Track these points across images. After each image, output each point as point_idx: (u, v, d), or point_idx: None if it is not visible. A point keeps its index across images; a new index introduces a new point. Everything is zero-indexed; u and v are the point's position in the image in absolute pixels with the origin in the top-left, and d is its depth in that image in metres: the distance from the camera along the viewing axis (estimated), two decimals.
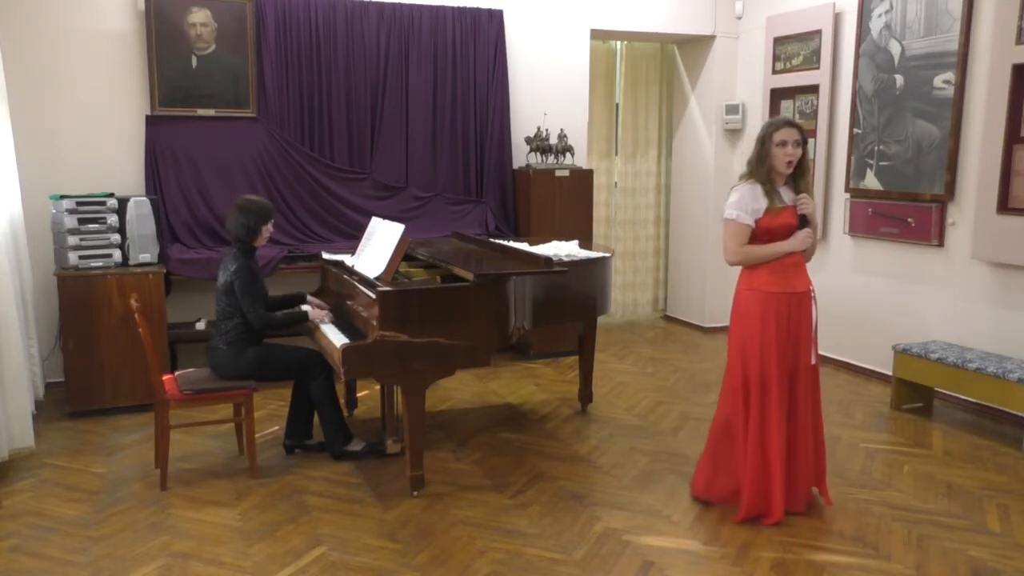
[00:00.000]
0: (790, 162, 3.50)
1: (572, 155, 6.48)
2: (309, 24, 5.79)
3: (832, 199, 6.14)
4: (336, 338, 3.98)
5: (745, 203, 3.54)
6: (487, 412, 5.13)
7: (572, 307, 4.54)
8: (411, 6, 6.05)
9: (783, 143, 3.49)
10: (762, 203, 3.53)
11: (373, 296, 3.73)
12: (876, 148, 5.68)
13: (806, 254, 3.63)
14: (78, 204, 4.91)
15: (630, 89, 7.69)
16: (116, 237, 5.00)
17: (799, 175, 3.58)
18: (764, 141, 3.54)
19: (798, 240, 3.52)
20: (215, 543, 3.41)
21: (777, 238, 3.53)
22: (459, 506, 3.75)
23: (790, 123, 3.54)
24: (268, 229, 4.14)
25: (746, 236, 3.55)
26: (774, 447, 3.51)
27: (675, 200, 7.83)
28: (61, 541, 3.42)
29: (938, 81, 5.23)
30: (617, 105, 7.76)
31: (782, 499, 3.55)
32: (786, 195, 3.59)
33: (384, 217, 4.57)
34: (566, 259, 4.47)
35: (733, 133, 7.19)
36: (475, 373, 5.87)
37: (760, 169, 3.57)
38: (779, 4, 6.58)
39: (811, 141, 6.24)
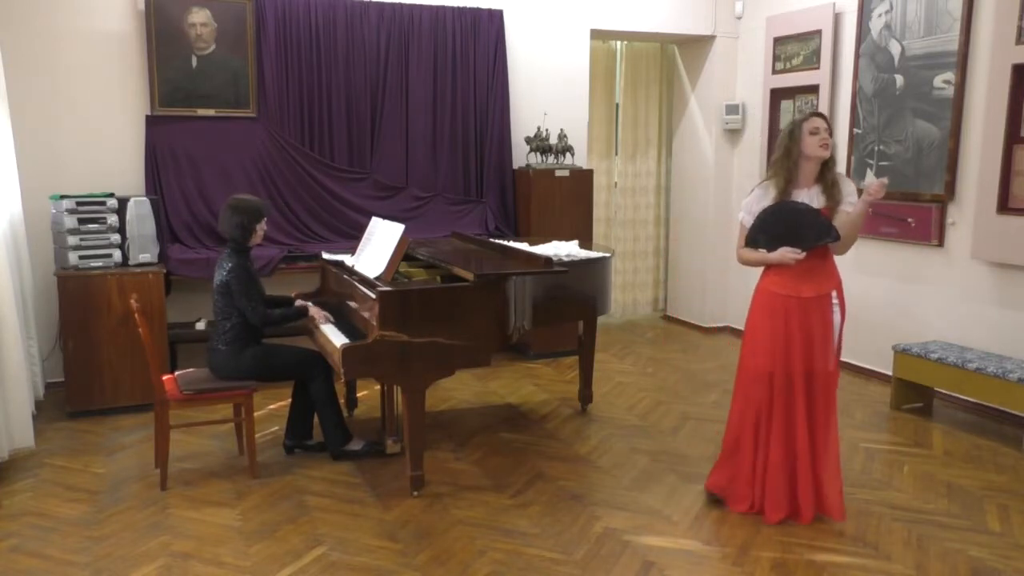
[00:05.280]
0: (824, 145, 3.43)
1: (572, 155, 6.48)
2: (309, 24, 5.79)
3: None
4: (336, 338, 3.98)
5: (751, 204, 3.58)
6: (487, 412, 5.13)
7: (572, 307, 4.55)
8: (411, 6, 6.05)
9: (815, 131, 3.44)
10: (768, 203, 3.52)
11: (373, 296, 3.73)
12: (876, 148, 5.68)
13: (837, 249, 3.55)
14: (78, 204, 4.91)
15: (630, 89, 7.70)
16: (116, 237, 5.00)
17: (826, 170, 3.50)
18: (793, 132, 3.49)
19: (775, 255, 3.47)
20: (215, 543, 3.41)
21: None
22: (459, 506, 3.75)
23: (817, 113, 3.52)
24: (262, 228, 4.14)
25: None
26: (779, 447, 3.51)
27: (675, 200, 7.83)
28: (61, 541, 3.42)
29: (938, 81, 5.23)
30: (617, 105, 7.76)
31: (807, 500, 3.52)
32: (812, 196, 3.50)
33: (384, 217, 4.57)
34: (566, 259, 4.46)
35: (733, 133, 7.19)
36: (475, 373, 5.87)
37: (785, 163, 3.49)
38: (779, 4, 6.58)
39: None
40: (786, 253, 3.45)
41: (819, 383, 3.53)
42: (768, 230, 3.50)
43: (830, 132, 3.51)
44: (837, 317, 3.57)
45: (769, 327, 3.52)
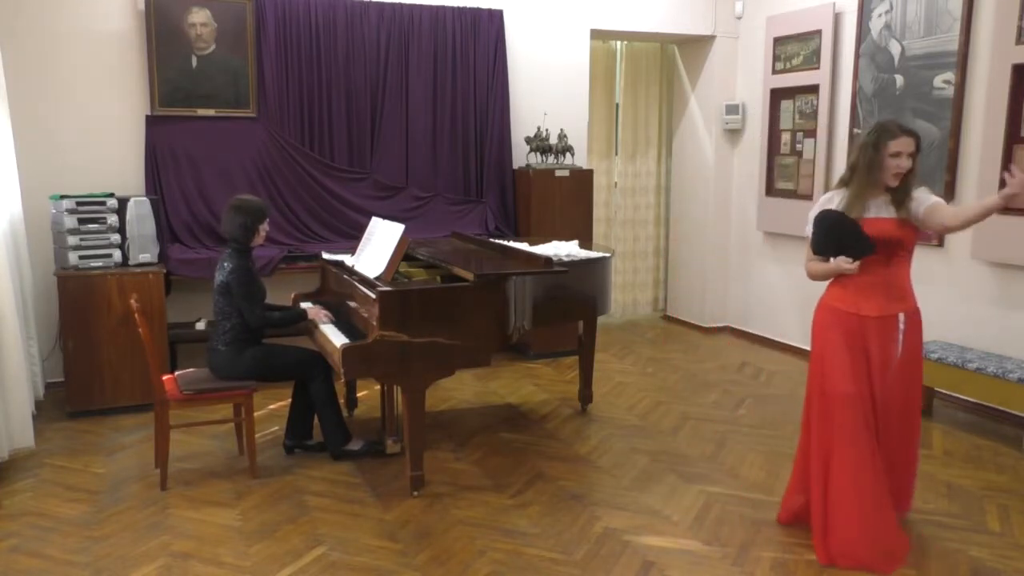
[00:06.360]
0: (897, 175, 3.16)
1: (572, 155, 6.48)
2: (309, 24, 5.79)
3: None
4: (336, 338, 3.98)
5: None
6: (487, 412, 5.13)
7: (572, 307, 4.54)
8: (411, 6, 6.05)
9: (897, 154, 3.14)
10: None
11: (373, 296, 3.73)
12: None
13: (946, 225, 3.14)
14: (78, 204, 4.91)
15: (630, 89, 7.70)
16: (116, 237, 5.00)
17: (900, 184, 3.20)
18: (877, 147, 3.16)
19: (831, 265, 3.21)
20: (215, 543, 3.41)
21: None
22: (459, 506, 3.75)
23: (908, 131, 3.18)
24: (264, 228, 4.15)
25: None
26: (836, 471, 3.22)
27: (675, 200, 7.83)
28: (61, 541, 3.42)
29: (938, 81, 5.23)
30: (617, 105, 7.76)
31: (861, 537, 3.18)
32: (879, 207, 3.23)
33: (384, 217, 4.57)
34: (566, 259, 4.46)
35: (733, 133, 7.19)
36: (475, 373, 5.87)
37: (868, 177, 3.18)
38: (779, 4, 6.58)
39: (811, 141, 6.25)
40: (841, 263, 3.17)
41: (888, 409, 3.27)
42: (828, 238, 3.24)
43: (917, 151, 3.18)
44: (899, 346, 3.24)
45: (837, 346, 3.23)
